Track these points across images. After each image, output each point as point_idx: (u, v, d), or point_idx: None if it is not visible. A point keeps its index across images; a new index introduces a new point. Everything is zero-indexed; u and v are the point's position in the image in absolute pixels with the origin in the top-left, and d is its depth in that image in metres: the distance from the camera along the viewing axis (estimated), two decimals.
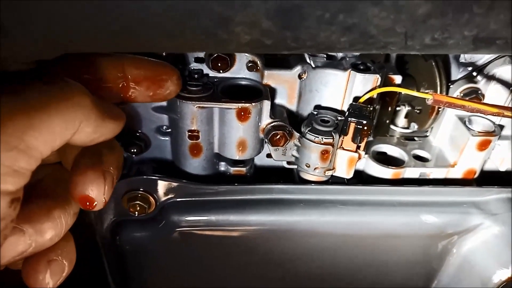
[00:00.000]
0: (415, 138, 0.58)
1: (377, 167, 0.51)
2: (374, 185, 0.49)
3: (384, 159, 0.54)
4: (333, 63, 0.48)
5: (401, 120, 0.58)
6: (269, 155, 0.52)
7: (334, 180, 0.50)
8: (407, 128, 0.58)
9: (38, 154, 0.26)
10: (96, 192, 0.30)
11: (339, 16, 0.25)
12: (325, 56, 0.50)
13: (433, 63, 0.52)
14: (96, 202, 0.31)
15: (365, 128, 0.44)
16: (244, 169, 0.50)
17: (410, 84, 0.55)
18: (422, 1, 0.25)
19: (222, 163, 0.50)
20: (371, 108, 0.45)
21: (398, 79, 0.50)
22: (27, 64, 0.29)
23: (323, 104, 0.49)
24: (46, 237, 0.30)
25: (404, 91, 0.44)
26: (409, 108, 0.57)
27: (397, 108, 0.57)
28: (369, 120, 0.44)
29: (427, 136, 0.58)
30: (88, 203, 0.31)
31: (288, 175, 0.53)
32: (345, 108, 0.49)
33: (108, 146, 0.33)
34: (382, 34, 0.27)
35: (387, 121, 0.57)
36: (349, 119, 0.44)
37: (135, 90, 0.35)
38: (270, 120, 0.45)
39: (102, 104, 0.30)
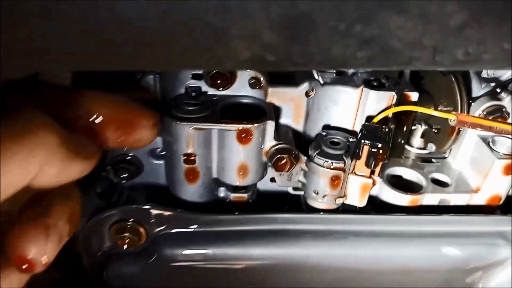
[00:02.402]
0: (433, 160, 0.53)
1: (393, 193, 0.46)
2: (389, 214, 0.44)
3: (399, 184, 0.49)
4: (343, 79, 0.44)
5: (417, 140, 0.54)
6: (273, 179, 0.47)
7: (345, 208, 0.46)
8: (424, 148, 0.53)
9: None
10: (35, 251, 0.25)
11: (356, 27, 0.21)
12: (334, 71, 0.46)
13: (453, 78, 0.48)
14: (35, 265, 0.25)
15: (381, 151, 0.39)
16: (245, 195, 0.45)
17: (427, 101, 0.50)
18: (456, 8, 0.21)
19: (222, 189, 0.45)
20: (387, 129, 0.40)
21: (414, 96, 0.45)
22: None
23: (333, 124, 0.45)
24: None
25: (423, 110, 0.40)
26: (426, 127, 0.52)
27: (413, 127, 0.52)
28: (385, 142, 0.39)
29: (445, 157, 0.53)
30: (25, 266, 0.25)
31: (294, 202, 0.48)
32: (356, 128, 0.44)
33: (62, 194, 0.27)
34: (407, 48, 0.23)
35: (402, 142, 0.52)
36: (363, 141, 0.39)
37: (103, 133, 0.30)
38: (274, 143, 0.41)
39: (72, 141, 0.26)
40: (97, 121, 0.30)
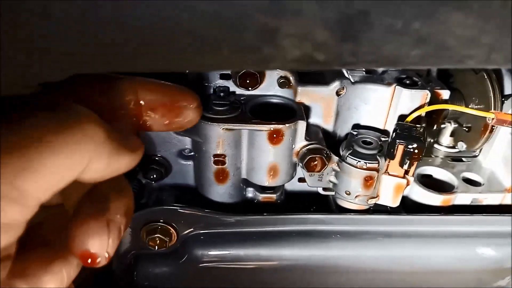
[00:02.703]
0: (463, 159, 0.52)
1: (424, 193, 0.45)
2: (423, 214, 0.43)
3: (429, 183, 0.48)
4: (374, 77, 0.43)
5: (446, 139, 0.53)
6: (301, 179, 0.47)
7: (376, 209, 0.45)
8: (453, 147, 0.52)
9: (35, 201, 0.21)
10: (98, 246, 0.25)
11: (414, 25, 0.20)
12: (364, 70, 0.45)
13: (485, 76, 0.47)
14: (98, 259, 0.25)
15: (416, 151, 0.38)
16: (274, 195, 0.45)
17: (457, 100, 0.49)
18: None
19: (250, 189, 0.45)
20: (422, 129, 0.39)
21: (445, 94, 0.44)
22: (29, 87, 0.25)
23: (363, 123, 0.44)
24: None
25: (461, 109, 0.39)
26: (456, 126, 0.51)
27: (442, 126, 0.51)
28: (420, 142, 0.38)
29: (476, 156, 0.52)
30: (89, 260, 0.25)
31: (322, 202, 0.48)
32: (388, 128, 0.43)
33: (116, 189, 0.28)
34: (462, 45, 0.22)
35: (432, 141, 0.51)
36: (397, 140, 0.38)
37: (149, 118, 0.31)
38: (305, 143, 0.40)
39: (117, 134, 0.25)
40: (144, 107, 0.30)
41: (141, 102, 0.30)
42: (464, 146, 0.51)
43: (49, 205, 0.29)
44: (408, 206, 0.47)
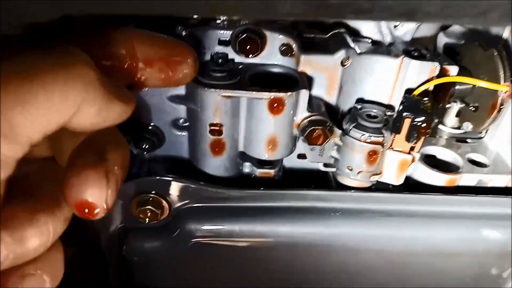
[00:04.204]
0: (468, 140, 0.50)
1: (429, 172, 0.43)
2: (426, 193, 0.41)
3: (433, 164, 0.46)
4: (380, 48, 0.41)
5: (451, 119, 0.51)
6: (300, 156, 0.45)
7: (377, 187, 0.43)
8: (458, 128, 0.50)
9: (26, 139, 0.21)
10: (97, 196, 0.24)
11: None
12: (370, 41, 0.43)
13: (495, 53, 0.45)
14: (97, 209, 0.24)
15: (424, 124, 0.36)
16: (272, 171, 0.43)
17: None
18: None
19: (247, 164, 0.43)
20: (430, 102, 0.37)
21: (453, 70, 0.42)
22: (21, 28, 0.23)
23: (367, 97, 0.42)
24: (28, 247, 0.24)
25: (475, 82, 0.37)
26: (462, 105, 0.49)
27: (447, 105, 0.49)
28: (429, 115, 0.36)
29: (481, 137, 0.50)
30: (87, 210, 0.24)
31: (322, 180, 0.46)
32: (393, 102, 0.41)
33: (113, 141, 0.27)
34: None
35: (437, 120, 0.50)
36: (404, 113, 0.36)
37: (145, 72, 0.30)
38: (307, 114, 0.38)
39: (108, 81, 0.25)
40: (140, 60, 0.29)
41: (137, 54, 0.28)
42: (470, 126, 0.49)
43: (38, 158, 0.28)
44: (411, 186, 0.45)
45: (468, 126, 0.49)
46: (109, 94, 0.25)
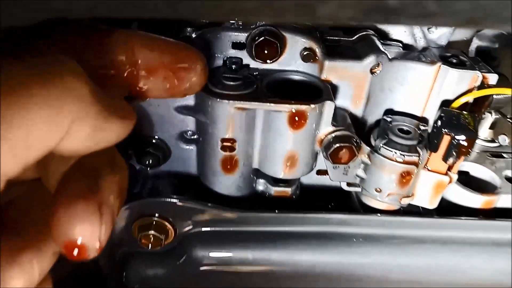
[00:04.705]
0: (504, 155, 0.45)
1: (463, 193, 0.39)
2: (463, 217, 0.37)
3: (465, 181, 0.41)
4: (413, 54, 0.37)
5: (484, 131, 0.46)
6: (320, 172, 0.40)
7: (405, 209, 0.39)
8: (493, 141, 0.46)
9: (1, 176, 0.17)
10: (89, 235, 0.20)
11: None
12: (400, 45, 0.38)
13: None
14: (88, 251, 0.20)
15: (466, 143, 0.32)
16: (288, 189, 0.39)
17: (503, 85, 0.42)
18: None
19: (261, 181, 0.39)
20: (471, 117, 0.33)
21: (492, 78, 0.37)
22: None
23: (397, 108, 0.37)
24: None
25: None
26: (497, 116, 0.45)
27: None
28: (471, 132, 0.32)
29: None
30: (76, 251, 0.20)
31: (342, 197, 0.41)
32: (427, 115, 0.37)
33: (108, 163, 0.23)
34: None
35: None
36: (444, 130, 0.32)
37: (147, 81, 0.26)
38: (331, 129, 0.34)
39: (104, 96, 0.20)
40: (141, 67, 0.25)
41: (138, 61, 0.24)
42: (507, 140, 0.44)
43: (21, 180, 0.24)
44: (443, 208, 0.40)
45: (504, 140, 0.45)
46: (104, 111, 0.20)
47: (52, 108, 0.18)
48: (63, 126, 0.18)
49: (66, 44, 0.22)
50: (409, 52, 0.37)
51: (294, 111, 0.32)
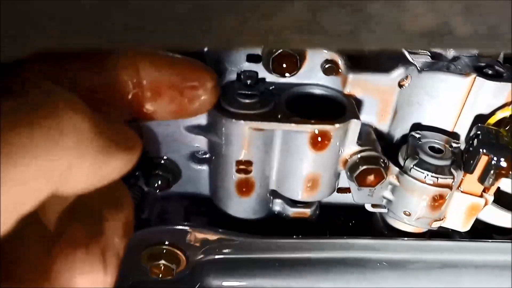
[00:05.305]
0: None
1: (496, 213, 0.36)
2: (498, 240, 0.34)
3: (497, 200, 0.39)
4: (442, 64, 0.34)
5: None
6: (341, 190, 0.37)
7: (433, 231, 0.36)
8: None
9: None
10: (91, 284, 0.19)
11: None
12: (428, 54, 0.35)
13: None
14: None
15: (505, 164, 0.29)
16: (307, 210, 0.36)
17: None
18: None
19: (278, 201, 0.36)
20: (510, 135, 0.30)
21: None
22: None
23: (426, 123, 0.35)
24: None
25: None
26: None
27: None
28: (510, 152, 0.29)
29: None
30: None
31: (363, 215, 0.39)
32: (459, 130, 0.34)
33: (112, 199, 0.21)
34: None
35: None
36: (481, 150, 0.29)
37: (154, 104, 0.23)
38: (356, 148, 0.31)
39: (107, 127, 0.18)
40: (146, 89, 0.22)
41: (143, 81, 0.22)
42: None
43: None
44: (471, 229, 0.37)
45: None
46: (107, 145, 0.18)
47: (49, 153, 0.15)
48: (58, 169, 0.16)
49: (61, 70, 0.20)
50: (438, 62, 0.34)
51: (317, 132, 0.29)
